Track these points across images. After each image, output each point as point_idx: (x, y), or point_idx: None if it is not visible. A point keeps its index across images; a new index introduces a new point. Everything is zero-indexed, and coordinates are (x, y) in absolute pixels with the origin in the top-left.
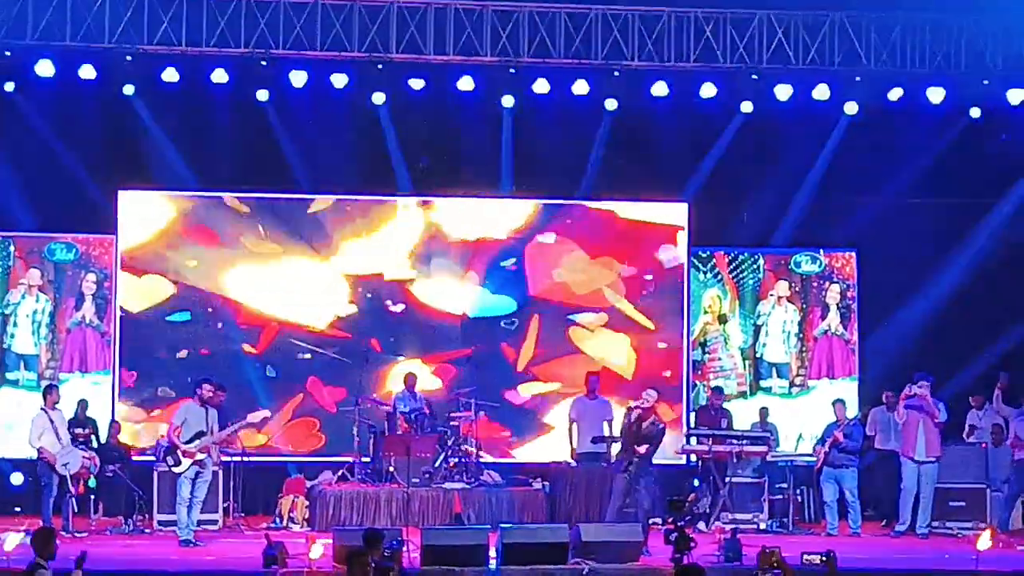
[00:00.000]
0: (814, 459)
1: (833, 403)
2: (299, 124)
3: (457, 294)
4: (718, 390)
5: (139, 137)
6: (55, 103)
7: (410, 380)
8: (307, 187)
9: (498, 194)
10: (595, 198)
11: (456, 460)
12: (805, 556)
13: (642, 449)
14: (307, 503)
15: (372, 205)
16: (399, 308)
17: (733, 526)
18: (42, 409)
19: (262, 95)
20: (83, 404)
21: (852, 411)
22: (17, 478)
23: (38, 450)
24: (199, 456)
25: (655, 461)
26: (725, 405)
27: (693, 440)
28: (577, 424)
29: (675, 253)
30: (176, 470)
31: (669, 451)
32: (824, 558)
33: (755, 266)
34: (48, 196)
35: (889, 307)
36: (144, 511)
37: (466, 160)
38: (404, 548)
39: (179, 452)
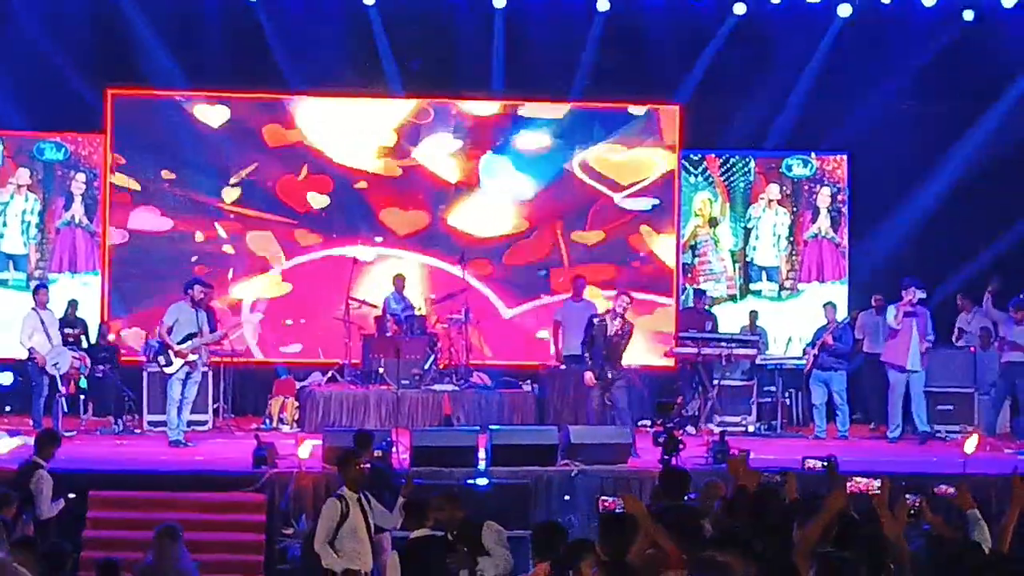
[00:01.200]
0: (803, 362)
1: (824, 306)
2: (289, 23)
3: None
4: (701, 292)
5: (128, 35)
6: (44, 1)
7: (399, 282)
8: (297, 86)
9: (489, 95)
10: (586, 99)
11: (446, 362)
12: (807, 461)
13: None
14: (297, 404)
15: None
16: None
17: (721, 428)
18: (32, 309)
19: None
20: (73, 304)
21: (842, 314)
22: (6, 378)
23: (28, 350)
24: (191, 357)
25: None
26: (714, 308)
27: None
28: (563, 326)
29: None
30: (167, 371)
31: (658, 354)
32: (825, 463)
33: (746, 169)
34: (38, 95)
35: (880, 211)
36: (134, 411)
37: (457, 60)
38: (394, 449)
39: (170, 352)
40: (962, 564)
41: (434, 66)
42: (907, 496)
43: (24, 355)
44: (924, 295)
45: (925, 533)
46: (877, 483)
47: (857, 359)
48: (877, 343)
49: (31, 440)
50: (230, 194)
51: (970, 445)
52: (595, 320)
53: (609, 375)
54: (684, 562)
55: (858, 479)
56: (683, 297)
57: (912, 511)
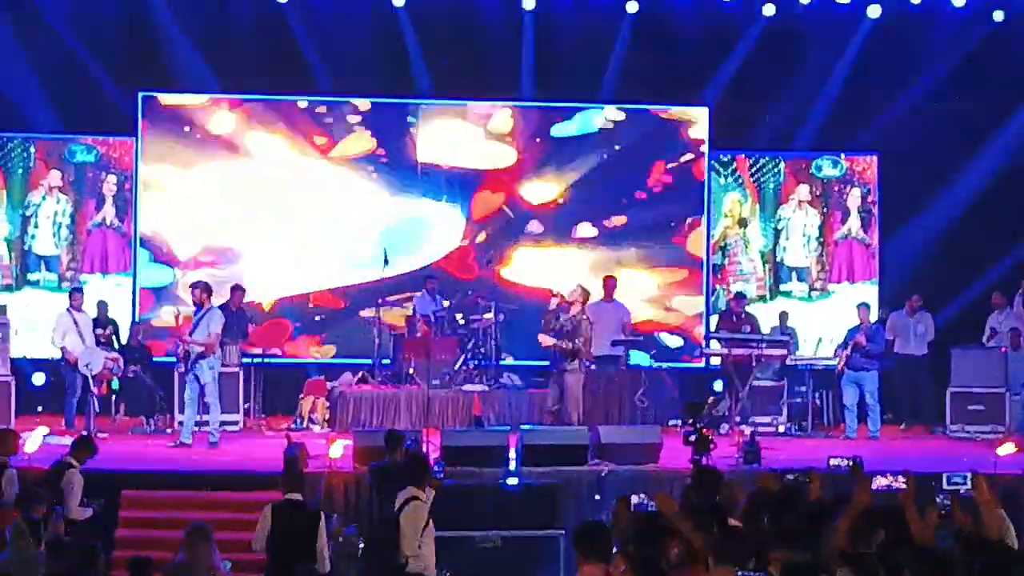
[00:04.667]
0: (835, 362)
1: (857, 307)
2: (319, 25)
3: None
4: (740, 296)
5: (159, 38)
6: (76, 3)
7: (430, 283)
8: (327, 89)
9: (518, 97)
10: (615, 100)
11: (476, 362)
12: (832, 460)
13: (558, 343)
14: (327, 404)
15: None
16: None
17: (752, 429)
18: (67, 310)
19: None
20: (103, 305)
21: (874, 315)
22: (39, 378)
23: (61, 349)
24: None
25: None
26: (746, 310)
27: (714, 343)
28: (593, 327)
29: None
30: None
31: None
32: (851, 463)
33: (776, 170)
34: (69, 97)
35: (910, 211)
36: (165, 411)
37: (487, 63)
38: (424, 449)
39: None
40: (996, 563)
41: (463, 68)
42: (937, 498)
43: (57, 355)
44: None
45: (955, 533)
46: (903, 480)
47: (888, 360)
48: (908, 344)
49: (60, 437)
50: None
51: (1005, 450)
52: (547, 314)
53: (561, 365)
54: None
55: (882, 477)
56: (712, 298)
57: (942, 511)
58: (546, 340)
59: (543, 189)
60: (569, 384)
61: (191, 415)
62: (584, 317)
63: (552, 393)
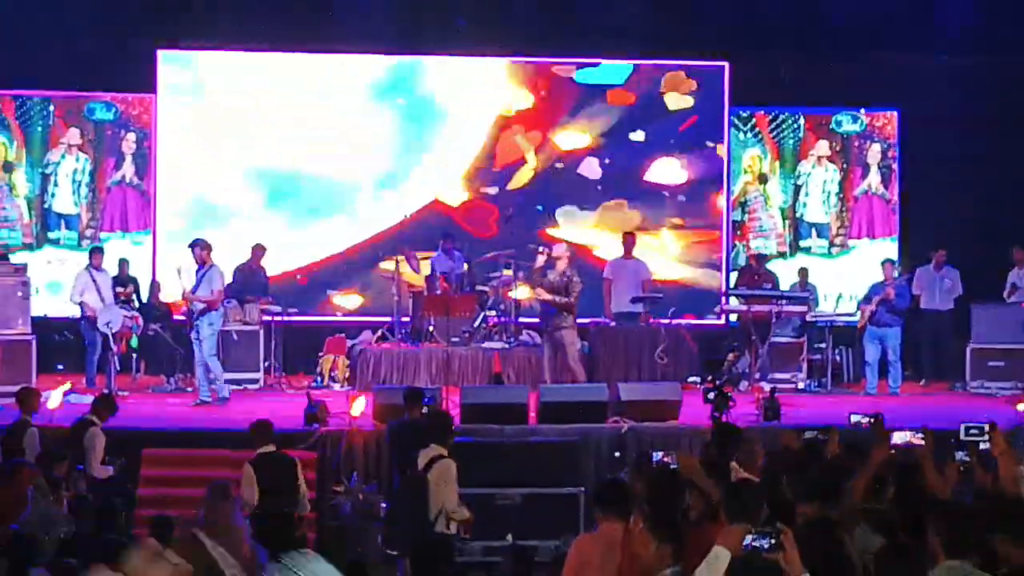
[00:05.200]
0: (855, 319)
1: (882, 263)
2: None
3: None
4: (760, 256)
5: None
6: None
7: (447, 241)
8: (351, 44)
9: (534, 53)
10: (635, 56)
11: (496, 320)
12: (853, 417)
13: (552, 298)
14: (347, 362)
15: None
16: None
17: (772, 386)
18: (86, 268)
19: None
20: (124, 263)
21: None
22: (60, 337)
23: (80, 305)
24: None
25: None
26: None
27: (733, 300)
28: (613, 284)
29: None
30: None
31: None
32: (872, 419)
33: (795, 126)
34: (87, 55)
35: (930, 167)
36: (185, 370)
37: (503, 19)
38: (444, 407)
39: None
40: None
41: (481, 25)
42: (957, 454)
43: (76, 313)
44: None
45: (975, 489)
46: (920, 436)
47: (913, 315)
48: (933, 299)
49: (81, 396)
50: None
51: None
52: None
53: (555, 321)
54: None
55: (901, 433)
56: (733, 254)
57: (962, 468)
58: (542, 294)
59: (573, 138)
60: (567, 341)
61: (202, 374)
62: (573, 274)
63: (546, 352)
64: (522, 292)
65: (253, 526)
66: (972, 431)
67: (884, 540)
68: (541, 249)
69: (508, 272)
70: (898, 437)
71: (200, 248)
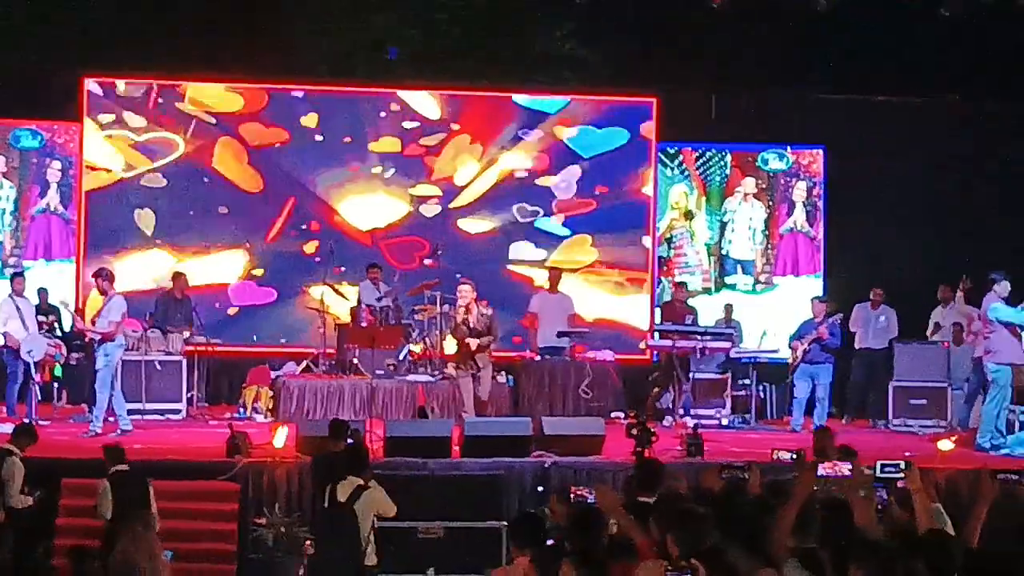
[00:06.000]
0: (780, 355)
1: (812, 300)
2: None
3: None
4: (683, 285)
5: (104, 20)
6: None
7: (372, 271)
8: (279, 73)
9: (476, 86)
10: (566, 90)
11: (420, 352)
12: (776, 452)
13: (480, 342)
14: (271, 394)
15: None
16: None
17: (695, 421)
18: (8, 296)
19: None
20: (43, 292)
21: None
22: None
23: (3, 335)
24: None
25: None
26: (690, 302)
27: (657, 336)
28: (539, 317)
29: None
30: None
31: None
32: (795, 455)
33: (722, 162)
34: (13, 82)
35: (855, 205)
36: None
37: (442, 50)
38: (367, 440)
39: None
40: (938, 553)
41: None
42: (876, 492)
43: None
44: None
45: (890, 528)
46: (847, 467)
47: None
48: (867, 337)
49: (1, 425)
50: None
51: (945, 444)
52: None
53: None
54: (657, 553)
55: (828, 463)
56: (659, 290)
57: (879, 506)
58: (473, 344)
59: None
60: (487, 376)
61: (102, 402)
62: (489, 311)
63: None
64: (450, 346)
65: None
66: (888, 468)
67: None
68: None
69: (434, 308)
70: (825, 468)
71: (102, 278)
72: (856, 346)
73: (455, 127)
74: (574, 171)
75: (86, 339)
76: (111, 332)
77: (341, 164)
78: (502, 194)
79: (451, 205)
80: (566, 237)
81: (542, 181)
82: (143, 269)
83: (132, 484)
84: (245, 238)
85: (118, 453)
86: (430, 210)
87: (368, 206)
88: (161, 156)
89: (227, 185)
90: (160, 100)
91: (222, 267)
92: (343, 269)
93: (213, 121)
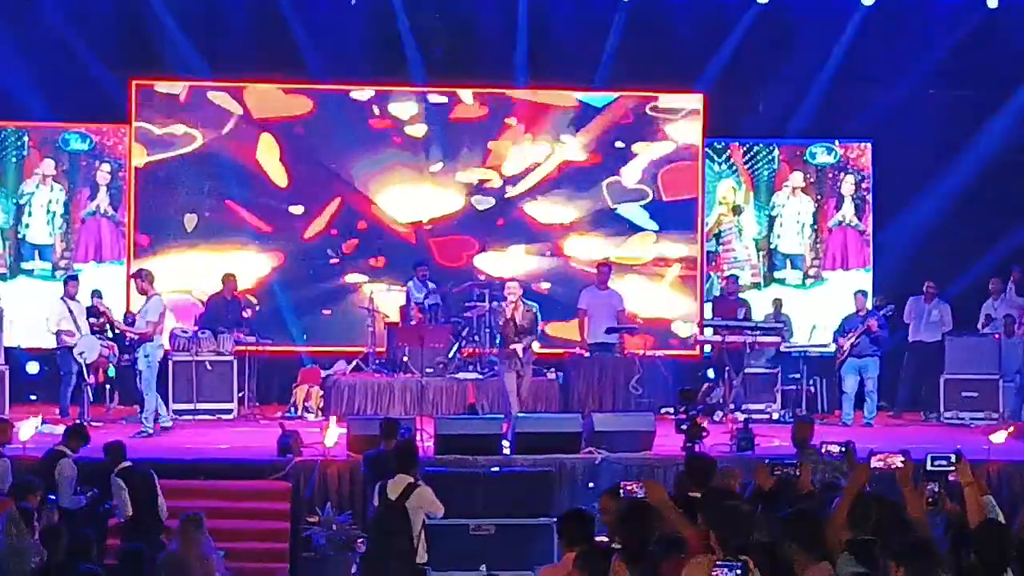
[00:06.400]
0: (830, 349)
1: (855, 294)
2: (312, 12)
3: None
4: (733, 278)
5: (152, 25)
6: None
7: (421, 270)
8: (319, 75)
9: (512, 84)
10: (610, 87)
11: (470, 350)
12: (825, 446)
13: (524, 343)
14: (321, 393)
15: None
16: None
17: (746, 416)
18: (61, 298)
19: None
20: (97, 294)
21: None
22: (33, 367)
23: (56, 335)
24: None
25: None
26: (740, 295)
27: (708, 331)
28: (588, 314)
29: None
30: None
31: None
32: (843, 448)
33: (770, 157)
34: (62, 85)
35: (904, 198)
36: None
37: (481, 50)
38: (418, 437)
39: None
40: (991, 544)
41: (457, 54)
42: (928, 485)
43: (51, 344)
44: None
45: (945, 522)
46: (900, 459)
47: (897, 345)
48: (919, 330)
49: (54, 426)
50: None
51: (998, 437)
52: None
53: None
54: (706, 548)
55: (880, 455)
56: (707, 285)
57: (931, 499)
58: (532, 344)
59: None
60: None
61: (150, 404)
62: (530, 307)
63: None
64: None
65: None
66: (938, 461)
67: (866, 570)
68: (500, 306)
69: (483, 304)
70: (876, 462)
71: (142, 279)
72: (909, 339)
73: (510, 121)
74: (626, 167)
75: (126, 339)
76: (148, 332)
77: (387, 160)
78: (561, 184)
79: (507, 195)
80: (640, 228)
81: (595, 176)
82: (191, 269)
83: (140, 479)
84: (285, 237)
85: (119, 450)
86: (483, 203)
87: (414, 198)
88: (204, 156)
89: (265, 181)
90: (205, 101)
91: (258, 265)
92: (386, 260)
93: (257, 120)
